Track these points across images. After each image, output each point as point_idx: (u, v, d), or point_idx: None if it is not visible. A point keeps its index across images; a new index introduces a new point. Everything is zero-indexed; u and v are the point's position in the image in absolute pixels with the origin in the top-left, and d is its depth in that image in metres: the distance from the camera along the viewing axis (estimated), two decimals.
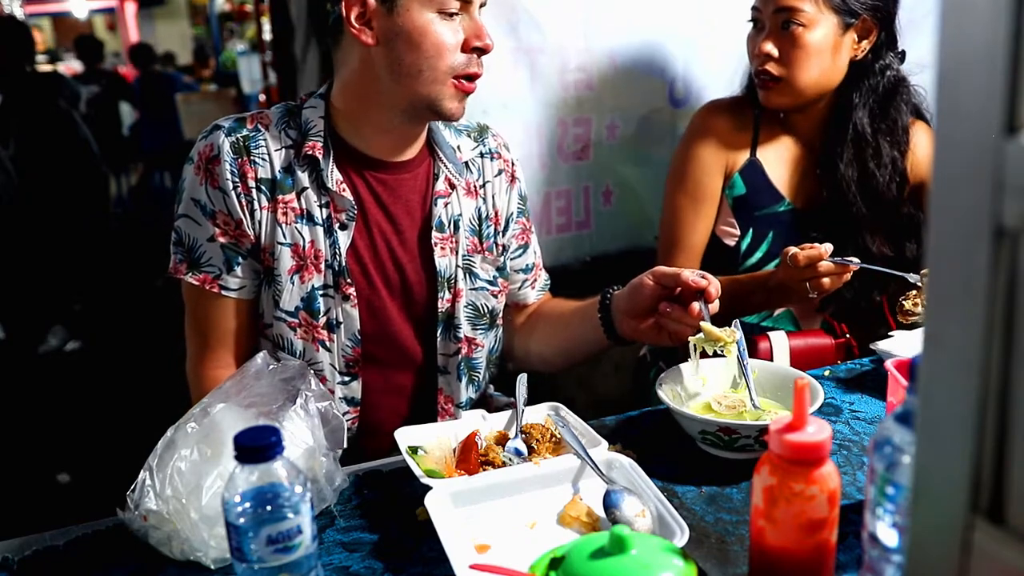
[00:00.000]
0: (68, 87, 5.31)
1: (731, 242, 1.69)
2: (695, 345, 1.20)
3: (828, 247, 1.36)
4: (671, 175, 1.73)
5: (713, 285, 1.19)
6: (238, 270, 1.25)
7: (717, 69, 2.05)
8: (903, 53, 1.63)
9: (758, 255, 1.68)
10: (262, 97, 5.68)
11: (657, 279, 1.23)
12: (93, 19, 13.88)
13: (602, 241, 2.13)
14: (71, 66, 9.45)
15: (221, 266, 1.25)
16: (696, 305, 1.18)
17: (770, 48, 1.54)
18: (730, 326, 1.20)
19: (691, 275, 1.19)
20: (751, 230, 1.67)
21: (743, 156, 1.68)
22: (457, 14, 1.20)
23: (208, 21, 9.77)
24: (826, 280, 1.37)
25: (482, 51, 1.23)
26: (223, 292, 1.26)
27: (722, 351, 1.18)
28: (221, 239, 1.24)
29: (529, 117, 1.98)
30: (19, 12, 9.47)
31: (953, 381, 0.43)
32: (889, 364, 1.06)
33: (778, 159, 1.69)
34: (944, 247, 0.43)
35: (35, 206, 3.93)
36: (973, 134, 0.40)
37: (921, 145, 1.64)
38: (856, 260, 1.39)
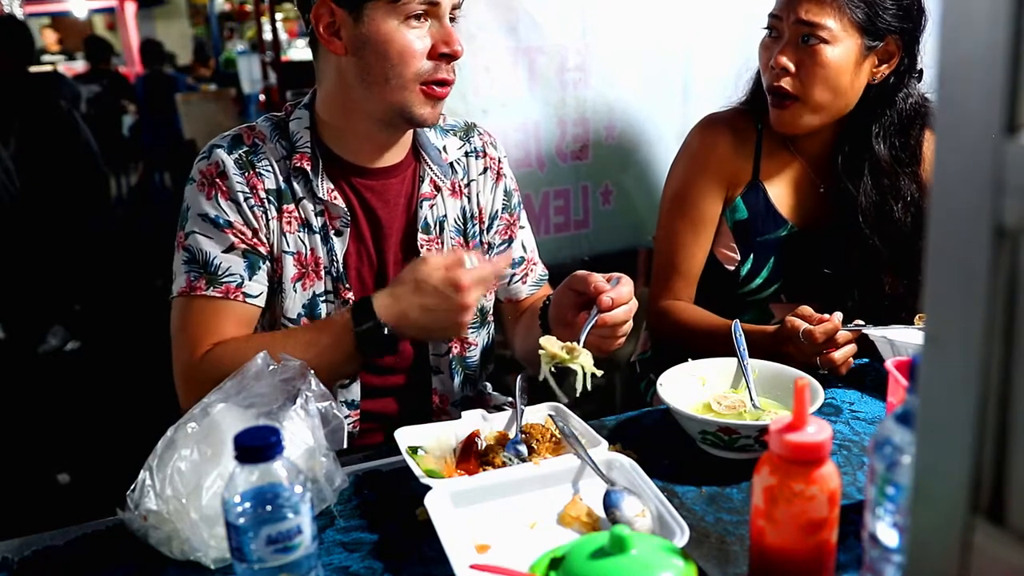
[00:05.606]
0: (68, 87, 5.31)
1: (731, 266, 1.62)
2: (544, 362, 1.09)
3: (838, 316, 1.29)
4: (668, 196, 1.64)
5: (610, 293, 1.14)
6: (260, 275, 1.25)
7: (717, 69, 2.06)
8: (921, 71, 1.53)
9: (758, 280, 1.61)
10: (262, 97, 5.68)
11: (570, 286, 1.21)
12: (93, 19, 13.86)
13: (600, 241, 2.14)
14: (71, 66, 9.44)
15: (242, 273, 1.24)
16: (584, 314, 1.15)
17: (786, 61, 1.44)
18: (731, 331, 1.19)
19: (598, 280, 1.16)
20: (752, 255, 1.60)
21: (745, 178, 1.59)
22: (425, 20, 1.19)
23: (208, 21, 9.76)
24: (839, 355, 1.30)
25: (450, 57, 1.21)
26: (247, 300, 1.24)
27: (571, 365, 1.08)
28: (241, 247, 1.23)
29: (528, 117, 1.98)
30: (19, 12, 9.45)
31: (953, 381, 0.43)
32: (889, 364, 1.06)
33: (782, 180, 1.60)
34: (944, 247, 0.43)
35: (35, 206, 3.92)
36: (973, 134, 0.40)
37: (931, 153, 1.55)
38: (862, 323, 1.33)
